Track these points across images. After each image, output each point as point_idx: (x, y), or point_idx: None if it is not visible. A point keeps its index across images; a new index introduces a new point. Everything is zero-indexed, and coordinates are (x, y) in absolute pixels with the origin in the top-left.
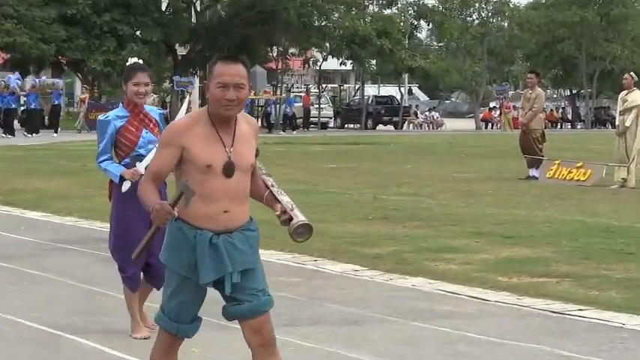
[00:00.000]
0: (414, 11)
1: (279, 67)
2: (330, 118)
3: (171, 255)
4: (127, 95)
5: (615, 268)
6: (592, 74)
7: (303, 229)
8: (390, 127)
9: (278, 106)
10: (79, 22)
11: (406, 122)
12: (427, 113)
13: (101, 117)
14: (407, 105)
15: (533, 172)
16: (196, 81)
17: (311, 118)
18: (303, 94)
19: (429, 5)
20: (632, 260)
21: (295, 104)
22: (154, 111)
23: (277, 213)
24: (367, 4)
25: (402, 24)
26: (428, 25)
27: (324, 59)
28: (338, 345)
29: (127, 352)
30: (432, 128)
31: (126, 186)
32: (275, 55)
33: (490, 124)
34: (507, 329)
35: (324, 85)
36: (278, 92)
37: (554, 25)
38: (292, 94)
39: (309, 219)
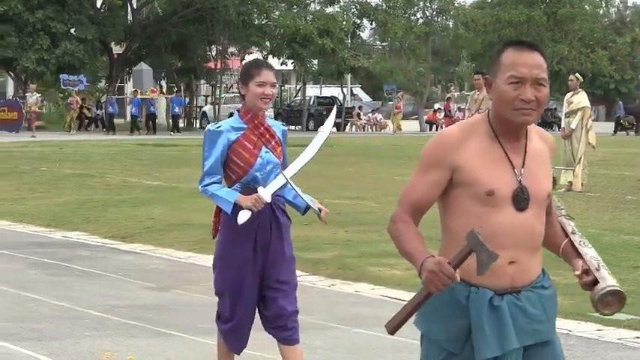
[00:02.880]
0: (357, 10)
1: (219, 66)
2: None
3: (434, 322)
4: (245, 101)
5: (562, 273)
6: None
7: (613, 297)
8: (332, 129)
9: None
10: (11, 19)
11: (349, 124)
12: (370, 114)
13: (211, 127)
14: (350, 106)
15: None
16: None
17: None
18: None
19: (372, 4)
20: None
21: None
22: (276, 126)
23: (577, 273)
24: (309, 2)
25: (344, 23)
26: (371, 24)
27: (265, 58)
28: (277, 352)
29: (61, 359)
30: (376, 130)
31: (243, 217)
32: (214, 54)
33: (435, 126)
34: None
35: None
36: (217, 92)
37: (501, 24)
38: (140, 95)
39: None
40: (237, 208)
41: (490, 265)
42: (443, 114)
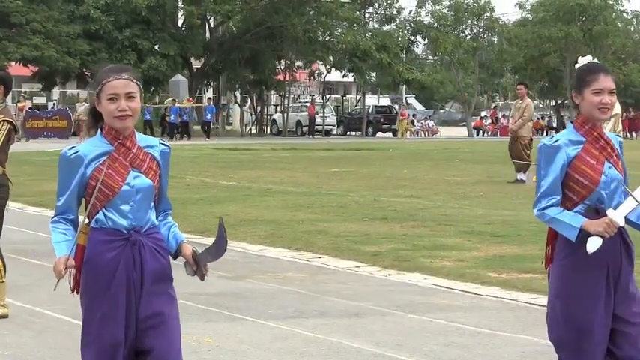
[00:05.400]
0: (411, 27)
1: (287, 78)
2: (334, 126)
3: None
4: (579, 110)
5: None
6: None
7: None
8: (389, 135)
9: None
10: (102, 37)
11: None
12: (423, 122)
13: (547, 141)
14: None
15: (520, 176)
16: (209, 91)
17: (316, 126)
18: (308, 104)
19: (425, 22)
20: None
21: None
22: (613, 138)
23: None
24: (368, 20)
25: (399, 39)
26: (424, 40)
27: (328, 71)
28: (340, 335)
29: None
30: (428, 136)
31: (594, 245)
32: (282, 67)
33: (481, 132)
34: (497, 321)
35: (328, 96)
36: (285, 102)
37: (541, 40)
38: (177, 104)
39: (314, 219)
40: (582, 233)
41: None
42: (489, 121)
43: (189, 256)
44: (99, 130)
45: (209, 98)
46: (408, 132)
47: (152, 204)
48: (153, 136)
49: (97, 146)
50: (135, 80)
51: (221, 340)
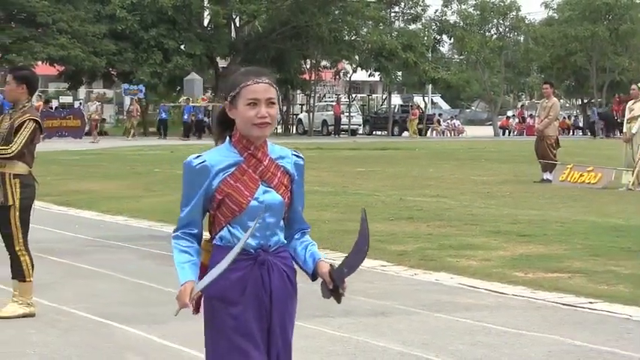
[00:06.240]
0: (437, 26)
1: (312, 78)
2: (360, 125)
3: None
4: None
5: (623, 264)
6: (602, 85)
7: None
8: (415, 135)
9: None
10: (128, 37)
11: (430, 129)
12: (449, 121)
13: None
14: (431, 113)
15: (547, 175)
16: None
17: (342, 126)
18: (334, 104)
19: (451, 21)
20: (638, 257)
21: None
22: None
23: None
24: (393, 19)
25: (425, 38)
26: (449, 39)
27: (354, 71)
28: (367, 334)
29: (174, 341)
30: (454, 135)
31: None
32: (308, 67)
33: (507, 131)
34: (523, 321)
35: (353, 95)
36: (311, 101)
37: (567, 39)
38: (191, 103)
39: (340, 218)
40: None
41: None
42: (516, 120)
43: (326, 273)
44: (227, 138)
45: (203, 98)
46: (434, 131)
47: (282, 221)
48: (166, 135)
49: (225, 156)
50: (275, 85)
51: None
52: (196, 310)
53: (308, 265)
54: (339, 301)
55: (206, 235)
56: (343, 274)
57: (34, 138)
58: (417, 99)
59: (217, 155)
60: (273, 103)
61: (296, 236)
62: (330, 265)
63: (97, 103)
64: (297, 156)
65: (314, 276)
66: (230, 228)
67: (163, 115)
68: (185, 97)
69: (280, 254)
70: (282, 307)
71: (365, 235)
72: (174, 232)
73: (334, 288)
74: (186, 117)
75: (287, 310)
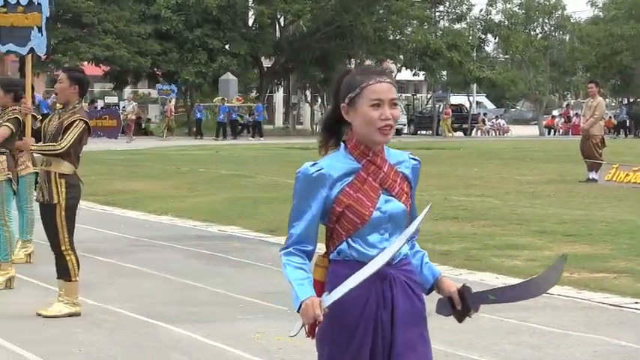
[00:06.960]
0: (482, 26)
1: None
2: (404, 125)
3: None
4: None
5: None
6: None
7: None
8: (460, 134)
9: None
10: (173, 37)
11: (475, 129)
12: (494, 120)
13: None
14: (475, 113)
15: (592, 175)
16: (280, 90)
17: None
18: None
19: (496, 20)
20: None
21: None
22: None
23: None
24: (438, 19)
25: (470, 38)
26: (494, 38)
27: (399, 70)
28: None
29: (218, 341)
30: (499, 134)
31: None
32: (353, 66)
33: (553, 131)
34: (569, 321)
35: (398, 95)
36: None
37: (613, 38)
38: (226, 103)
39: None
40: None
41: None
42: (562, 120)
43: (455, 292)
44: (342, 144)
45: (238, 98)
46: (479, 131)
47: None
48: (202, 135)
49: (342, 162)
50: (395, 85)
51: (292, 339)
52: (312, 334)
53: (426, 279)
54: (460, 320)
55: (319, 248)
56: (485, 300)
57: (83, 138)
58: (462, 98)
59: (333, 162)
60: (396, 104)
61: (407, 246)
62: (463, 285)
63: (134, 103)
64: (414, 159)
65: (430, 290)
66: (350, 242)
67: (199, 115)
68: (220, 97)
69: (403, 267)
70: (405, 325)
71: (548, 281)
72: (284, 247)
73: (463, 308)
74: (221, 117)
75: (414, 332)
